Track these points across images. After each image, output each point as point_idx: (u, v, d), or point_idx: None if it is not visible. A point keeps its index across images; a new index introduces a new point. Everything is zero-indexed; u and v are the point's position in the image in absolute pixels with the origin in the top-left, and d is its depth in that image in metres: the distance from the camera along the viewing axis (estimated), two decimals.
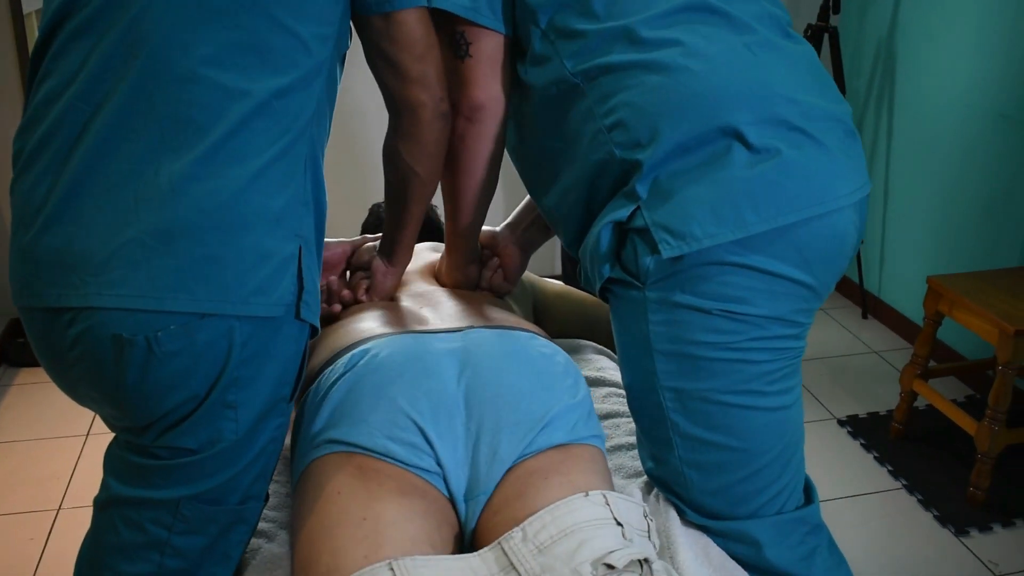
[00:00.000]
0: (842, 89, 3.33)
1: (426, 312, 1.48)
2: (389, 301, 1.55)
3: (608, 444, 1.53)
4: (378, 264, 1.55)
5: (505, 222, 1.74)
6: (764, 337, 1.20)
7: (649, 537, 1.18)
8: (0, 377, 3.11)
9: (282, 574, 1.24)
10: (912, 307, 3.35)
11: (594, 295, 1.34)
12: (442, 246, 1.82)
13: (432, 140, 1.37)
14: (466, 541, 1.22)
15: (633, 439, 1.52)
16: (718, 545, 1.28)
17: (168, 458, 1.15)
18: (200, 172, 1.07)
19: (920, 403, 2.87)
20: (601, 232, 1.23)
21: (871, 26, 3.45)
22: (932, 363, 2.81)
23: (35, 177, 1.11)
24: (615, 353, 1.48)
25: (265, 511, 1.36)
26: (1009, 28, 2.75)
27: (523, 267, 1.72)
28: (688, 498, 1.29)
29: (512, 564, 1.08)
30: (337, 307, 1.54)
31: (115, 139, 1.08)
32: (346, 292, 1.56)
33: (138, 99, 1.08)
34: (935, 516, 2.40)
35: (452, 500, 1.23)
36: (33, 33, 3.03)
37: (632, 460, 1.47)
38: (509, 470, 1.22)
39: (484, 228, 1.67)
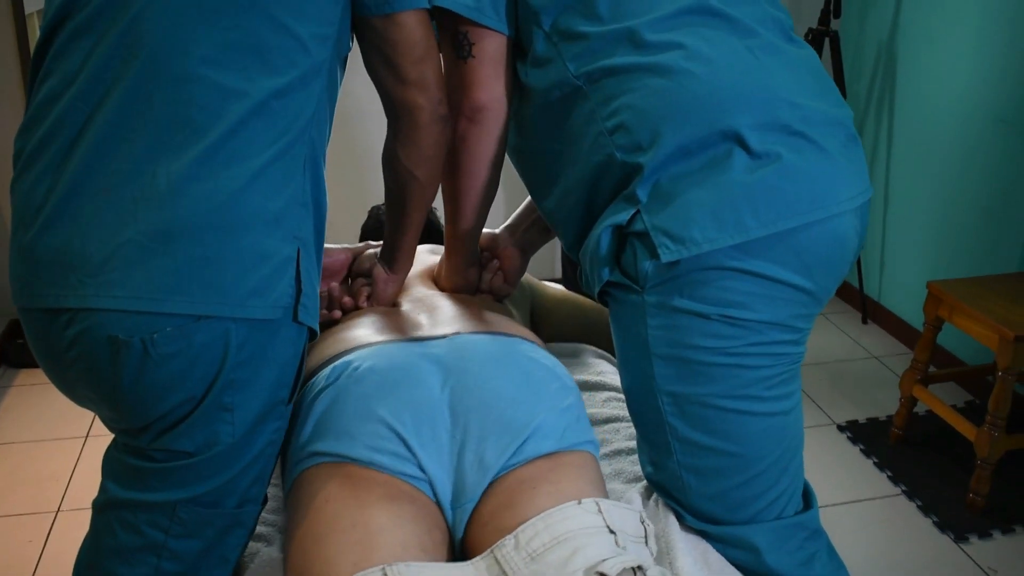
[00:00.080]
0: (843, 93, 3.33)
1: (423, 318, 1.47)
2: (389, 307, 1.55)
3: (608, 449, 1.53)
4: (379, 271, 1.55)
5: (505, 224, 1.73)
6: (763, 342, 1.20)
7: (646, 543, 1.18)
8: None
9: None
10: (912, 312, 3.35)
11: (594, 299, 1.34)
12: (439, 248, 1.82)
13: (431, 144, 1.36)
14: (456, 549, 1.22)
15: (633, 444, 1.52)
16: (717, 551, 1.27)
17: (164, 460, 1.14)
18: (198, 173, 1.07)
19: (920, 408, 2.87)
20: (601, 235, 1.23)
21: (872, 30, 3.45)
22: (932, 368, 2.81)
23: (35, 177, 1.11)
24: (615, 357, 1.48)
25: (264, 515, 1.36)
26: (1009, 33, 2.75)
27: (523, 269, 1.72)
28: (687, 503, 1.29)
29: (505, 572, 1.08)
30: (337, 313, 1.54)
31: (114, 139, 1.08)
32: (347, 299, 1.55)
33: (137, 99, 1.08)
34: (935, 522, 2.39)
35: (440, 507, 1.23)
36: (35, 33, 3.04)
37: (632, 465, 1.47)
38: (498, 480, 1.21)
39: (484, 230, 1.66)
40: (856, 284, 3.64)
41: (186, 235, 1.06)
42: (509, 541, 1.10)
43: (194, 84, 1.08)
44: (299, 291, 1.15)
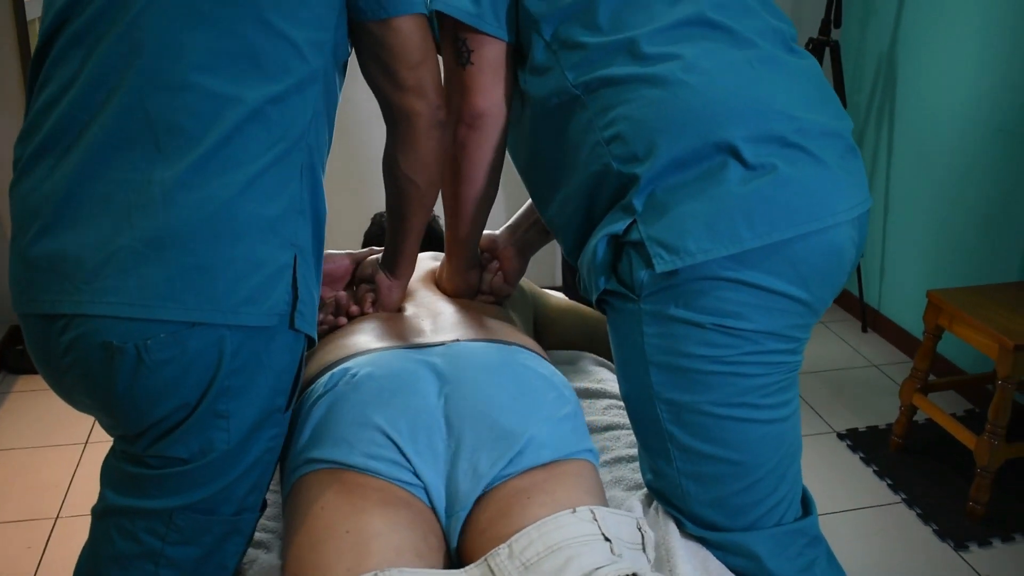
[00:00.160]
0: (843, 103, 3.33)
1: (425, 323, 1.48)
2: (392, 312, 1.55)
3: (608, 456, 1.53)
4: (381, 278, 1.55)
5: (505, 225, 1.74)
6: (759, 352, 1.20)
7: (644, 550, 1.17)
8: None
9: None
10: (912, 321, 3.35)
11: (592, 306, 1.34)
12: (441, 255, 1.82)
13: (430, 150, 1.36)
14: (452, 557, 1.22)
15: (633, 451, 1.52)
16: (717, 558, 1.27)
17: (160, 467, 1.14)
18: (192, 180, 1.07)
19: (920, 417, 2.87)
20: (597, 244, 1.24)
21: (872, 40, 3.46)
22: (932, 377, 2.81)
23: (32, 183, 1.11)
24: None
25: (263, 521, 1.36)
26: (1009, 43, 2.76)
27: (522, 270, 1.73)
28: (686, 510, 1.29)
29: None
30: (343, 320, 1.54)
31: (110, 147, 1.08)
32: (354, 308, 1.55)
33: (133, 107, 1.08)
34: (934, 530, 2.39)
35: (436, 513, 1.23)
36: (36, 39, 3.04)
37: (632, 472, 1.47)
38: (494, 489, 1.21)
39: (484, 232, 1.67)
40: (856, 292, 3.64)
41: (179, 242, 1.06)
42: (503, 550, 1.10)
43: (188, 91, 1.08)
44: (296, 298, 1.15)
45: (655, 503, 1.35)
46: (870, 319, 3.61)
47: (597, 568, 1.06)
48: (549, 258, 3.74)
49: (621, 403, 1.66)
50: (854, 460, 2.73)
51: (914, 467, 2.68)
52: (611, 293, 1.27)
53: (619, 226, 1.21)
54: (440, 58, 1.47)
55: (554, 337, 1.89)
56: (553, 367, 1.39)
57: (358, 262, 1.65)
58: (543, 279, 3.72)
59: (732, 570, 1.26)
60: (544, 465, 1.23)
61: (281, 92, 1.14)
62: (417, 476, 1.21)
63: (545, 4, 1.31)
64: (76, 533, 2.33)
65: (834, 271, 1.23)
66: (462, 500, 1.21)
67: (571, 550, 1.08)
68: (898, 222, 3.38)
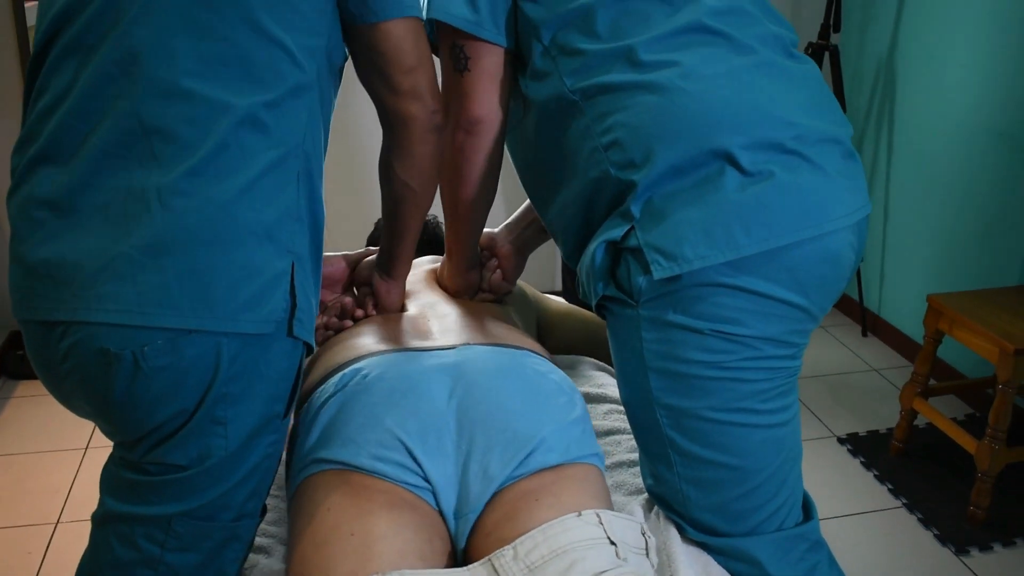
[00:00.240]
0: (842, 107, 3.34)
1: (432, 324, 1.48)
2: (395, 313, 1.56)
3: (609, 461, 1.53)
4: (379, 281, 1.55)
5: (504, 223, 1.75)
6: (757, 357, 1.20)
7: (647, 555, 1.17)
8: None
9: None
10: (912, 325, 3.35)
11: (591, 311, 1.34)
12: (441, 259, 1.83)
13: (425, 154, 1.35)
14: (458, 558, 1.22)
15: (634, 456, 1.52)
16: (718, 563, 1.27)
17: (158, 474, 1.14)
18: (187, 187, 1.07)
19: (920, 421, 2.87)
20: (596, 250, 1.24)
21: (871, 45, 3.46)
22: (932, 381, 2.81)
23: (31, 191, 1.12)
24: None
25: (264, 526, 1.36)
26: (1009, 47, 2.76)
27: (520, 268, 1.74)
28: (687, 515, 1.29)
29: None
30: (349, 323, 1.55)
31: (108, 154, 1.08)
32: (359, 312, 1.56)
33: (128, 115, 1.09)
34: (935, 535, 2.39)
35: (443, 516, 1.23)
36: None
37: (633, 477, 1.47)
38: (501, 491, 1.21)
39: (483, 231, 1.68)
40: (856, 297, 3.64)
41: (175, 249, 1.06)
42: (508, 552, 1.10)
43: (182, 98, 1.09)
44: (294, 305, 1.15)
45: (656, 508, 1.35)
46: (870, 323, 3.61)
47: (602, 572, 1.06)
48: (549, 262, 3.74)
49: (621, 408, 1.66)
50: (855, 464, 2.73)
51: (915, 471, 2.68)
52: (610, 299, 1.27)
53: (617, 232, 1.21)
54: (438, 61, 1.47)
55: (555, 341, 1.89)
56: (562, 372, 1.39)
57: (355, 264, 1.65)
58: (543, 283, 3.72)
59: (734, 575, 1.26)
60: (552, 468, 1.23)
61: (275, 98, 1.14)
62: (425, 478, 1.21)
63: (544, 10, 1.31)
64: (76, 538, 2.33)
65: (833, 277, 1.23)
66: (472, 503, 1.21)
67: (576, 554, 1.09)
68: (898, 226, 3.38)
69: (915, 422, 2.75)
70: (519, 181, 1.49)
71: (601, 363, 1.86)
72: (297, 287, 1.15)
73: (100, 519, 1.20)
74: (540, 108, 1.33)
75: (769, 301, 1.18)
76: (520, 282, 1.84)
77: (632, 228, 1.20)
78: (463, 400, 1.25)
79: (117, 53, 1.09)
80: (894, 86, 3.34)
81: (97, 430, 2.80)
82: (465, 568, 1.11)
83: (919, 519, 2.46)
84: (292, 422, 1.38)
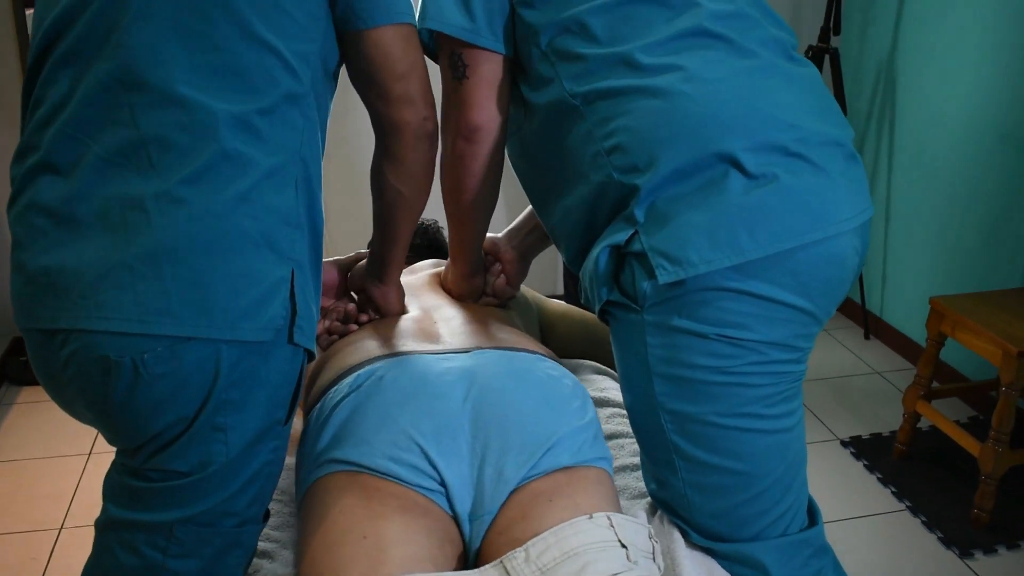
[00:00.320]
0: (843, 110, 3.34)
1: (439, 328, 1.49)
2: (400, 315, 1.56)
3: (613, 465, 1.52)
4: (373, 288, 1.55)
5: (507, 228, 1.76)
6: (763, 362, 1.20)
7: (654, 559, 1.17)
8: (2, 396, 3.11)
9: None
10: (915, 328, 3.35)
11: (595, 315, 1.34)
12: (444, 263, 1.84)
13: (417, 161, 1.35)
14: (470, 561, 1.22)
15: (637, 460, 1.52)
16: (723, 568, 1.27)
17: (160, 480, 1.15)
18: (185, 195, 1.07)
19: (923, 424, 2.87)
20: (600, 255, 1.24)
21: (872, 47, 3.47)
22: (935, 384, 2.80)
23: (31, 200, 1.12)
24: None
25: (268, 531, 1.36)
26: (1010, 49, 2.77)
27: (524, 272, 1.75)
28: (691, 520, 1.29)
29: None
30: (354, 327, 1.55)
31: (107, 163, 1.09)
32: (364, 316, 1.56)
33: (125, 124, 1.09)
34: (939, 538, 2.39)
35: (456, 519, 1.23)
36: None
37: (636, 481, 1.47)
38: (514, 492, 1.22)
39: (487, 235, 1.68)
40: (858, 300, 3.64)
41: (175, 257, 1.06)
42: (519, 554, 1.10)
43: (177, 107, 1.09)
44: (294, 312, 1.15)
45: (659, 512, 1.35)
46: (873, 326, 3.60)
47: (614, 574, 1.06)
48: (551, 266, 3.74)
49: (624, 412, 1.66)
50: (858, 468, 2.73)
51: (918, 474, 2.67)
52: (614, 304, 1.27)
53: (621, 236, 1.21)
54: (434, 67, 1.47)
55: (556, 341, 1.90)
56: (574, 376, 1.39)
57: (347, 269, 1.65)
58: (545, 287, 3.72)
59: None
60: (565, 469, 1.24)
61: (269, 105, 1.14)
62: (439, 480, 1.21)
63: (542, 15, 1.31)
64: (80, 544, 2.33)
65: (837, 280, 1.23)
66: (487, 505, 1.21)
67: (587, 556, 1.09)
68: (900, 229, 3.38)
69: (918, 425, 2.75)
70: (520, 186, 1.50)
71: (603, 367, 1.86)
72: (297, 294, 1.15)
73: (103, 525, 1.20)
74: (541, 114, 1.33)
75: (774, 305, 1.18)
76: (521, 286, 1.85)
77: (636, 232, 1.19)
78: (478, 402, 1.26)
79: (112, 63, 1.10)
80: (894, 88, 3.34)
81: (100, 436, 2.80)
82: (477, 571, 1.12)
83: (923, 522, 2.45)
84: (303, 423, 1.38)
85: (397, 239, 1.48)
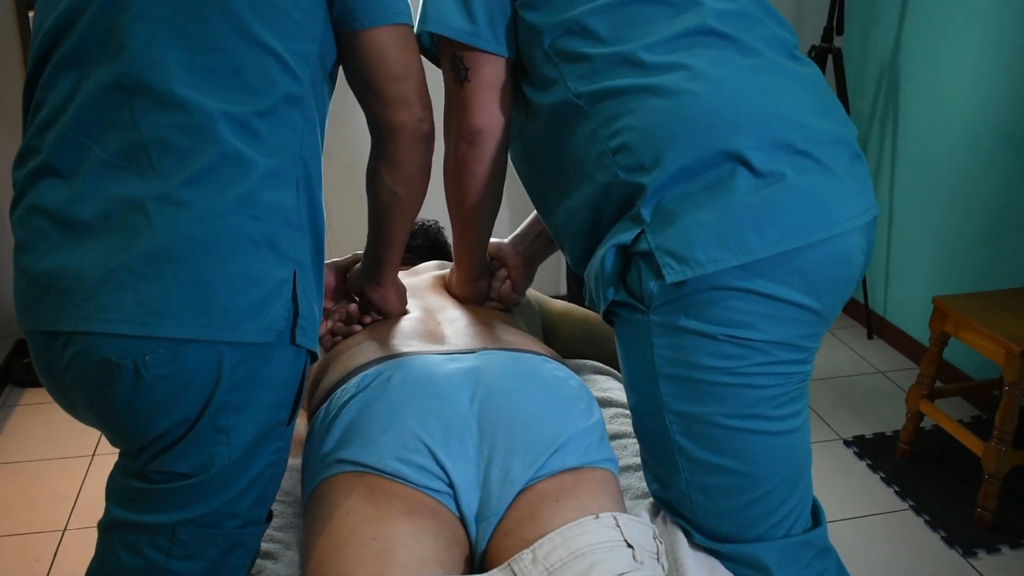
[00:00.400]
0: (846, 110, 3.34)
1: (443, 329, 1.49)
2: (403, 316, 1.56)
3: (618, 466, 1.52)
4: (370, 291, 1.55)
5: (512, 234, 1.76)
6: (769, 362, 1.19)
7: (658, 559, 1.17)
8: (6, 398, 3.11)
9: None
10: (918, 327, 3.35)
11: (599, 317, 1.34)
12: (447, 264, 1.84)
13: (413, 162, 1.34)
14: (476, 562, 1.22)
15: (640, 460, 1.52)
16: (726, 568, 1.27)
17: (162, 482, 1.15)
18: (186, 197, 1.07)
19: (927, 423, 2.86)
20: (606, 255, 1.23)
21: (875, 47, 3.46)
22: (938, 383, 2.80)
23: (33, 203, 1.12)
24: (620, 372, 1.48)
25: (271, 531, 1.36)
26: (1013, 48, 2.76)
27: (530, 278, 1.74)
28: (694, 520, 1.29)
29: None
30: (357, 328, 1.55)
31: (108, 165, 1.09)
32: (367, 318, 1.56)
33: (126, 126, 1.09)
34: (943, 537, 2.38)
35: (463, 520, 1.23)
36: None
37: (639, 481, 1.47)
38: (520, 493, 1.21)
39: (492, 240, 1.68)
40: (861, 299, 3.64)
41: (175, 259, 1.06)
42: (527, 555, 1.10)
43: (176, 109, 1.09)
44: (296, 314, 1.15)
45: (662, 512, 1.35)
46: (876, 326, 3.60)
47: (620, 574, 1.07)
48: (554, 268, 3.74)
49: (627, 412, 1.66)
50: (861, 467, 2.72)
51: (921, 474, 2.67)
52: (620, 304, 1.26)
53: (627, 236, 1.20)
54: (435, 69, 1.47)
55: (558, 343, 1.90)
56: (579, 378, 1.39)
57: (344, 270, 1.65)
58: (548, 288, 3.72)
59: None
60: (571, 470, 1.24)
61: (268, 107, 1.14)
62: (447, 482, 1.21)
63: (544, 16, 1.31)
64: (84, 545, 2.33)
65: (843, 279, 1.22)
66: (494, 506, 1.21)
67: (594, 556, 1.09)
68: (903, 229, 3.38)
69: (921, 424, 2.74)
70: (523, 189, 1.49)
71: (606, 367, 1.86)
72: (299, 295, 1.15)
73: (106, 527, 1.20)
74: (545, 115, 1.33)
75: (781, 304, 1.17)
76: None
77: (642, 232, 1.19)
78: (484, 404, 1.26)
79: (112, 65, 1.10)
80: (897, 89, 3.34)
81: (103, 437, 2.81)
82: (485, 574, 1.12)
83: (926, 521, 2.45)
84: (307, 424, 1.38)
85: (393, 240, 1.47)
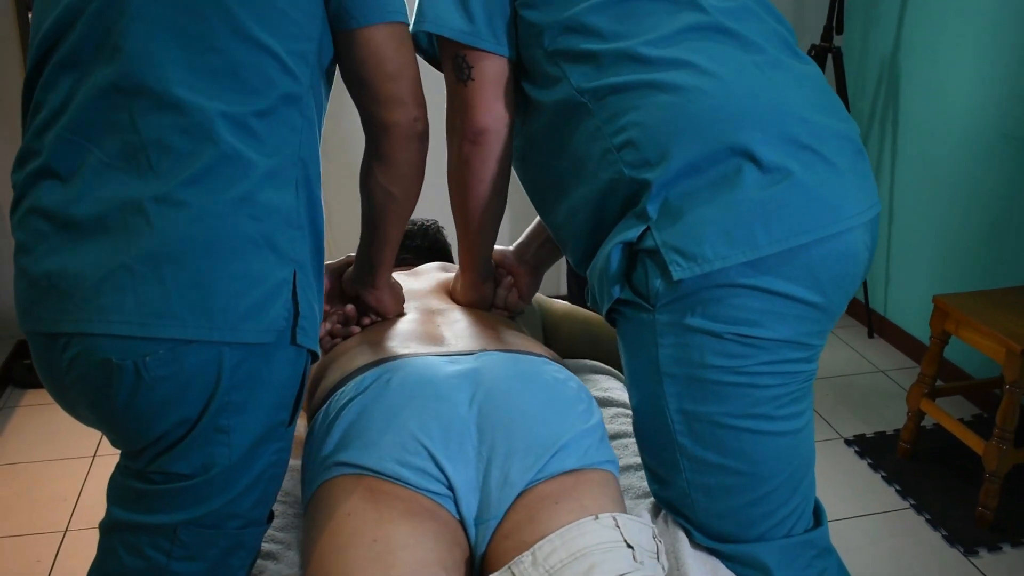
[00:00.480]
0: (847, 109, 3.33)
1: (443, 331, 1.48)
2: (403, 317, 1.56)
3: (618, 467, 1.52)
4: (366, 293, 1.55)
5: (517, 241, 1.75)
6: (775, 361, 1.19)
7: (658, 559, 1.17)
8: (7, 399, 3.11)
9: None
10: (918, 326, 3.35)
11: (602, 317, 1.33)
12: (449, 266, 1.83)
13: (406, 161, 1.34)
14: (476, 565, 1.22)
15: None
16: (728, 568, 1.27)
17: (163, 483, 1.15)
18: (185, 198, 1.07)
19: (927, 422, 2.86)
20: (611, 252, 1.23)
21: (874, 46, 3.46)
22: (939, 382, 2.80)
23: (33, 205, 1.12)
24: (621, 372, 1.48)
25: (272, 532, 1.36)
26: (1013, 48, 2.76)
27: (536, 286, 1.74)
28: (695, 520, 1.29)
29: None
30: (356, 329, 1.55)
31: (106, 167, 1.09)
32: (366, 319, 1.56)
33: (124, 127, 1.09)
34: (944, 536, 2.38)
35: (463, 523, 1.22)
36: None
37: (641, 481, 1.47)
38: (520, 495, 1.21)
39: (496, 247, 1.67)
40: (862, 298, 3.64)
41: (175, 260, 1.06)
42: (526, 558, 1.10)
43: (175, 110, 1.09)
44: (296, 314, 1.15)
45: (663, 512, 1.35)
46: (876, 325, 3.60)
47: (621, 575, 1.06)
48: (554, 268, 3.73)
49: (628, 412, 1.66)
50: (862, 466, 2.72)
51: (922, 473, 2.67)
52: (624, 303, 1.26)
53: (633, 233, 1.20)
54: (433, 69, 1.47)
55: (558, 342, 1.89)
56: (579, 379, 1.39)
57: (339, 273, 1.64)
58: (548, 288, 3.72)
59: None
60: (571, 472, 1.24)
61: (267, 107, 1.14)
62: (447, 484, 1.21)
63: (543, 14, 1.31)
64: (85, 546, 2.33)
65: (849, 275, 1.22)
66: (493, 509, 1.21)
67: (594, 557, 1.09)
68: (903, 228, 3.38)
69: (922, 423, 2.74)
70: (524, 191, 1.49)
71: (606, 367, 1.86)
72: (299, 295, 1.15)
73: (107, 528, 1.20)
74: (546, 113, 1.33)
75: (788, 301, 1.17)
76: None
77: (648, 228, 1.18)
78: (484, 406, 1.25)
79: (110, 66, 1.10)
80: (897, 88, 3.34)
81: (104, 438, 2.81)
82: None
83: (927, 520, 2.45)
84: (307, 426, 1.38)
85: (387, 241, 1.47)
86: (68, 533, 2.41)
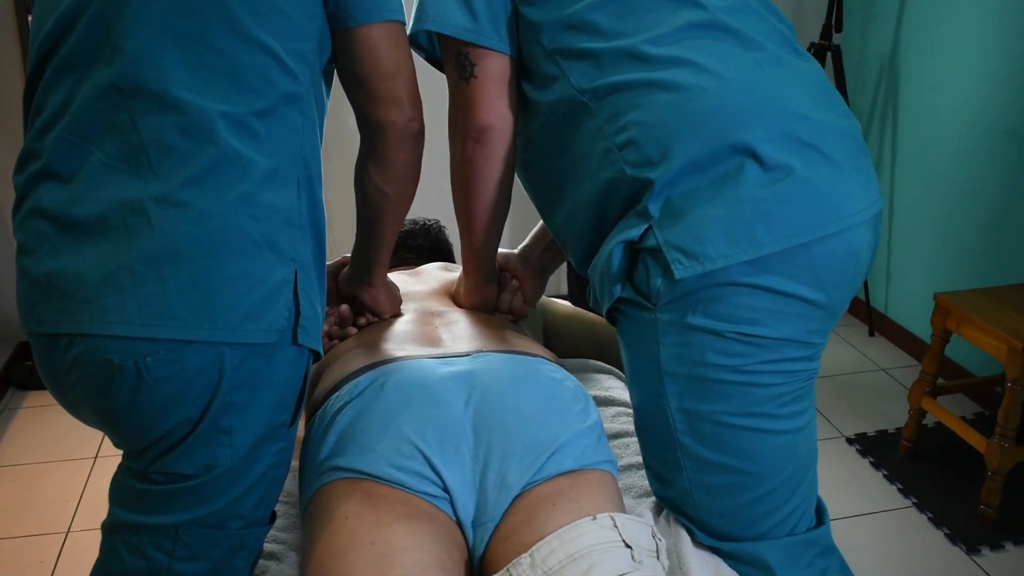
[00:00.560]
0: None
1: (441, 332, 1.48)
2: (401, 318, 1.56)
3: (618, 464, 1.52)
4: (362, 293, 1.54)
5: (521, 245, 1.74)
6: (777, 360, 1.19)
7: (658, 557, 1.17)
8: (8, 400, 3.11)
9: None
10: (919, 324, 3.35)
11: (602, 316, 1.33)
12: (451, 266, 1.83)
13: (402, 161, 1.34)
14: (475, 567, 1.22)
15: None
16: (729, 566, 1.27)
17: (165, 483, 1.15)
18: (186, 198, 1.07)
19: (929, 420, 2.86)
20: (612, 251, 1.23)
21: (874, 44, 3.46)
22: (940, 380, 2.80)
23: (34, 206, 1.12)
24: (623, 372, 1.48)
25: (275, 532, 1.36)
26: (1013, 45, 2.76)
27: (542, 289, 1.73)
28: (697, 519, 1.29)
29: None
30: (353, 330, 1.55)
31: (107, 168, 1.09)
32: (362, 320, 1.56)
33: (125, 128, 1.09)
34: (946, 534, 2.38)
35: (460, 524, 1.22)
36: None
37: (642, 480, 1.47)
38: (518, 497, 1.21)
39: (500, 251, 1.66)
40: (863, 297, 3.64)
41: (176, 260, 1.06)
42: (525, 560, 1.10)
43: (174, 110, 1.09)
44: (298, 314, 1.15)
45: (665, 511, 1.35)
46: (877, 323, 3.60)
47: (619, 575, 1.06)
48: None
49: (629, 411, 1.66)
50: (863, 465, 2.72)
51: (924, 471, 2.67)
52: (625, 302, 1.26)
53: (634, 232, 1.20)
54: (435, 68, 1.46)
55: (560, 343, 1.89)
56: (576, 379, 1.39)
57: (335, 273, 1.64)
58: (549, 288, 3.68)
59: None
60: (568, 472, 1.23)
61: (267, 106, 1.14)
62: (443, 487, 1.21)
63: (543, 12, 1.31)
64: (87, 547, 2.34)
65: (851, 273, 1.22)
66: (491, 511, 1.21)
67: (593, 557, 1.09)
68: (904, 226, 3.37)
69: (924, 421, 2.74)
70: (524, 192, 1.48)
71: (607, 366, 1.86)
72: (301, 295, 1.15)
73: (109, 528, 1.20)
74: (546, 113, 1.32)
75: (789, 300, 1.17)
76: None
77: (650, 227, 1.18)
78: (480, 407, 1.25)
79: (110, 67, 1.10)
80: (897, 85, 3.34)
81: (106, 439, 2.81)
82: None
83: (929, 518, 2.45)
84: (305, 428, 1.38)
85: (382, 240, 1.47)
86: (70, 534, 2.41)
